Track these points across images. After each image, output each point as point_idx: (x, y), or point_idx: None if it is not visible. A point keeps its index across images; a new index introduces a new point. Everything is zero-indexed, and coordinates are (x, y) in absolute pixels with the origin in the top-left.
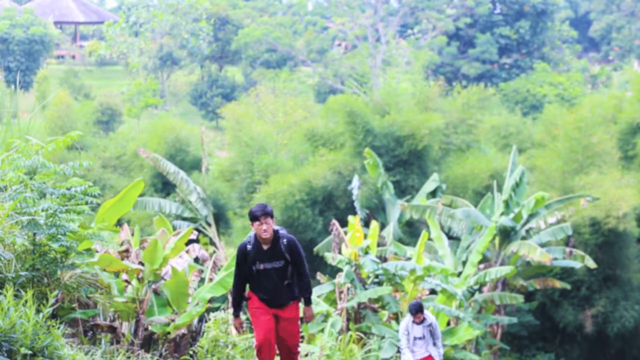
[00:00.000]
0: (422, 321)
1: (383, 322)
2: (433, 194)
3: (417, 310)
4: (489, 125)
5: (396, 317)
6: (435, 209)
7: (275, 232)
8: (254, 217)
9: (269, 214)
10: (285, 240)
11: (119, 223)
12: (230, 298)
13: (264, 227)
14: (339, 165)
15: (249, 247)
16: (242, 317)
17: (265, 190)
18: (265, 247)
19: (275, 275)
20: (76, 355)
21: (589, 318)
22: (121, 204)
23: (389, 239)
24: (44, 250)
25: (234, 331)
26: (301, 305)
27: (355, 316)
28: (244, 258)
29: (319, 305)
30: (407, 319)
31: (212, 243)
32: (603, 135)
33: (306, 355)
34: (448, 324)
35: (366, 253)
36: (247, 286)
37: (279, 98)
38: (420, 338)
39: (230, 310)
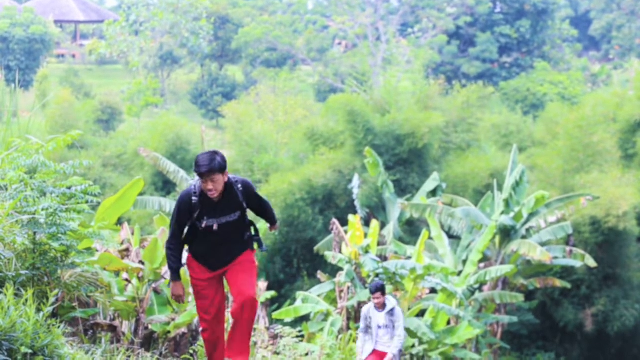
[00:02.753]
0: (384, 307)
1: None
2: (433, 192)
3: (376, 289)
4: (490, 124)
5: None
6: (435, 208)
7: (227, 180)
8: (198, 174)
9: (216, 170)
10: (240, 186)
11: (119, 222)
12: (167, 260)
13: (210, 186)
14: (339, 164)
15: (194, 199)
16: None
17: (265, 189)
18: (215, 198)
19: (230, 231)
20: (76, 354)
21: (589, 317)
22: (121, 203)
23: (389, 237)
24: (44, 249)
25: (174, 297)
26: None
27: (356, 315)
28: (187, 212)
29: (319, 304)
30: (368, 305)
31: None
32: (604, 134)
33: (306, 354)
34: (448, 322)
35: (366, 252)
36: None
37: (279, 97)
38: (383, 327)
39: (169, 275)
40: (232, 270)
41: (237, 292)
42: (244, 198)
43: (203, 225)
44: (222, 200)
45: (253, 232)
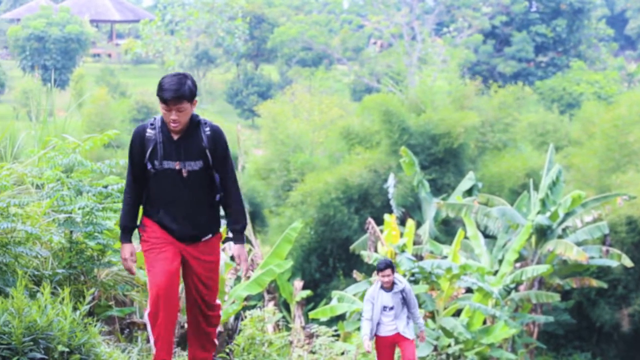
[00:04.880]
0: (392, 287)
1: None
2: (469, 192)
3: (386, 265)
4: (526, 122)
5: (432, 316)
6: (471, 208)
7: (194, 117)
8: (161, 99)
9: (185, 96)
10: (208, 129)
11: None
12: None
13: (174, 115)
14: (374, 163)
15: (149, 131)
16: (136, 244)
17: (301, 188)
18: (175, 135)
19: (189, 183)
20: (113, 353)
21: (625, 317)
22: None
23: (425, 237)
24: (80, 248)
25: (127, 265)
26: (227, 243)
27: None
28: (139, 150)
29: (354, 303)
30: (374, 285)
31: (248, 241)
32: None
33: (342, 353)
34: (484, 322)
35: (402, 251)
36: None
37: (315, 96)
38: (390, 308)
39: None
40: (192, 270)
41: (190, 303)
42: (209, 144)
43: (157, 166)
44: (183, 139)
45: (231, 214)
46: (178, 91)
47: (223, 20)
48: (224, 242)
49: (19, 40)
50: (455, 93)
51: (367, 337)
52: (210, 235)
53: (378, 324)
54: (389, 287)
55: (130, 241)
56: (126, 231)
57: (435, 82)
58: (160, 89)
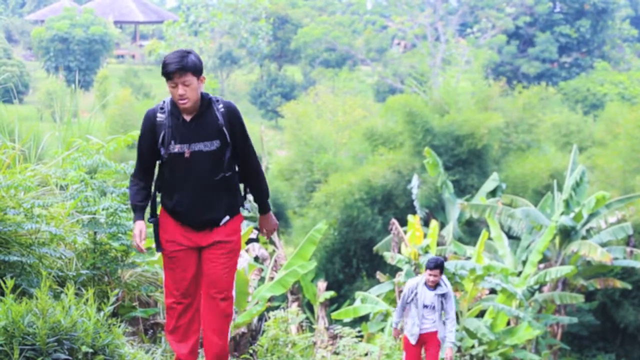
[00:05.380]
0: (436, 287)
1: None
2: (493, 193)
3: (436, 265)
4: (550, 123)
5: (456, 317)
6: (495, 208)
7: (204, 96)
8: (165, 75)
9: (189, 69)
10: (221, 106)
11: None
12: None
13: (181, 90)
14: (398, 164)
15: (160, 116)
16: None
17: (324, 189)
18: (187, 116)
19: (205, 165)
20: (137, 353)
21: None
22: None
23: (448, 238)
24: (104, 249)
25: (135, 242)
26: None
27: None
28: (150, 135)
29: (378, 304)
30: (417, 279)
31: (272, 242)
32: None
33: (366, 354)
34: (508, 323)
35: (426, 252)
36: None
37: (338, 97)
38: (430, 307)
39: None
40: (209, 253)
41: (209, 283)
42: (225, 122)
43: (170, 151)
44: (196, 120)
45: (254, 188)
46: (180, 62)
47: (247, 21)
48: (247, 243)
49: (43, 42)
50: (479, 94)
51: (397, 326)
52: (228, 218)
53: (421, 321)
54: (432, 286)
55: (141, 218)
56: (137, 210)
57: (459, 83)
58: (163, 66)
